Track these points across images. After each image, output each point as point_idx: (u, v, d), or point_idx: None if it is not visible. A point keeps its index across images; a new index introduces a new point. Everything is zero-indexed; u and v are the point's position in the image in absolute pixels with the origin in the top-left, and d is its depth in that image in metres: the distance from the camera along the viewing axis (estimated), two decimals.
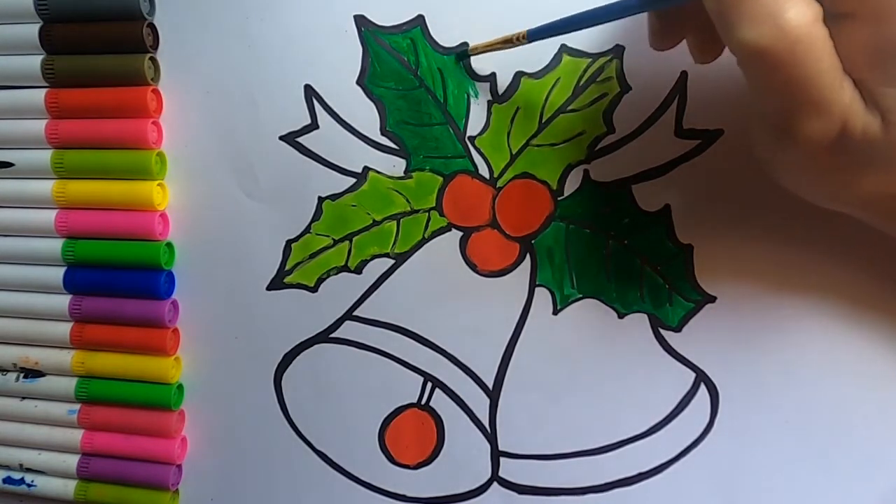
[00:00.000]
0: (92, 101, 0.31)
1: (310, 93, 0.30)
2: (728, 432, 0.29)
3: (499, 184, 0.29)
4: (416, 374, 0.31)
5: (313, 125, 0.30)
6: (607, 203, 0.29)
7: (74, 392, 0.32)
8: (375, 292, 0.31)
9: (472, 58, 0.28)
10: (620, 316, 0.29)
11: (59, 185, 0.31)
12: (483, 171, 0.29)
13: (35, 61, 0.31)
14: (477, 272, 0.30)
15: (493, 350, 0.30)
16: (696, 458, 0.29)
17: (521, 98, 0.28)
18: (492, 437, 0.31)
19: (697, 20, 0.19)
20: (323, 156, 0.30)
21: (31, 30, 0.30)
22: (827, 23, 0.17)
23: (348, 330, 0.31)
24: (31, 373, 0.33)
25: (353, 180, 0.30)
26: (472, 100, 0.29)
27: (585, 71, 0.28)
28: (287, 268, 0.31)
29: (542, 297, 0.30)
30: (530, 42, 0.26)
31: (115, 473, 0.33)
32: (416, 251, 0.30)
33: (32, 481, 0.34)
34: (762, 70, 0.18)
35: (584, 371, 0.29)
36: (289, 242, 0.31)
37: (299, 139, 0.30)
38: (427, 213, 0.30)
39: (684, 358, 0.29)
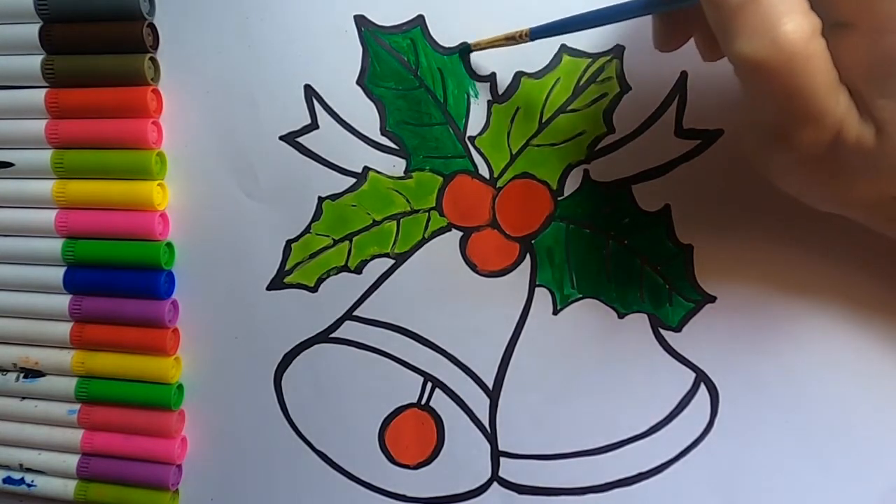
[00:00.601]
0: (92, 101, 0.31)
1: (310, 93, 0.30)
2: (728, 432, 0.29)
3: (499, 184, 0.29)
4: (416, 374, 0.31)
5: (313, 125, 0.30)
6: (607, 203, 0.29)
7: (74, 392, 0.32)
8: (375, 292, 0.31)
9: (473, 57, 0.28)
10: (620, 316, 0.29)
11: (59, 185, 0.31)
12: (483, 171, 0.29)
13: (35, 61, 0.31)
14: (477, 272, 0.30)
15: (493, 350, 0.30)
16: (696, 458, 0.29)
17: (521, 98, 0.28)
18: (492, 437, 0.31)
19: (703, 19, 0.19)
20: (323, 156, 0.30)
21: (31, 30, 0.30)
22: (825, 32, 0.17)
23: (348, 330, 0.31)
24: (31, 373, 0.33)
25: (353, 180, 0.30)
26: (472, 100, 0.29)
27: (585, 71, 0.28)
28: (287, 268, 0.31)
29: (542, 297, 0.30)
30: (532, 40, 0.26)
31: (115, 473, 0.33)
32: (416, 251, 0.30)
33: (32, 481, 0.34)
34: (758, 82, 0.18)
35: (584, 371, 0.29)
36: (289, 242, 0.31)
37: (299, 139, 0.30)
38: (427, 213, 0.30)
39: (684, 358, 0.29)
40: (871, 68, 0.17)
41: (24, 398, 0.34)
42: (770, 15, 0.17)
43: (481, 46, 0.28)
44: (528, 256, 0.29)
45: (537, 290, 0.30)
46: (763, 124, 0.20)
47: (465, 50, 0.28)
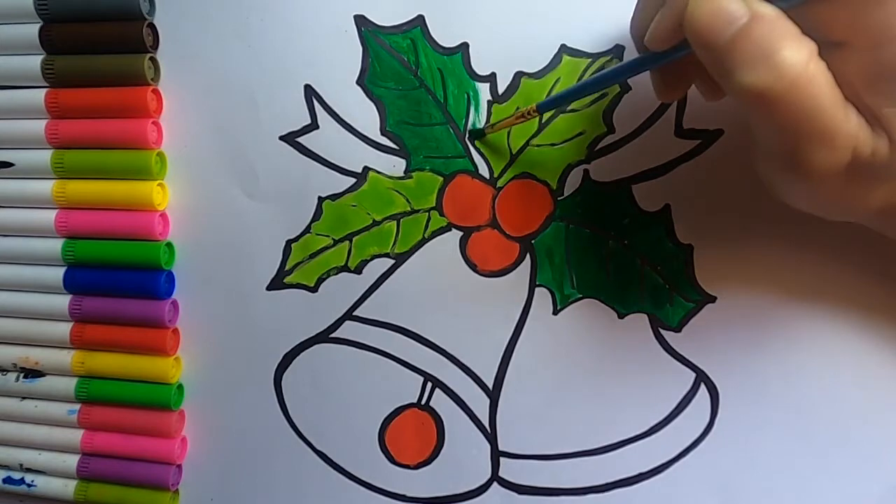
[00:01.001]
0: (92, 101, 0.31)
1: (310, 93, 0.30)
2: (728, 432, 0.29)
3: (499, 184, 0.29)
4: (416, 374, 0.31)
5: (313, 125, 0.30)
6: (607, 203, 0.29)
7: (74, 392, 0.32)
8: (375, 292, 0.31)
9: (472, 58, 0.28)
10: (620, 316, 0.29)
11: (59, 185, 0.31)
12: (483, 170, 0.29)
13: (35, 61, 0.31)
14: (477, 272, 0.30)
15: (493, 350, 0.30)
16: (696, 458, 0.29)
17: (521, 98, 0.28)
18: (492, 437, 0.31)
19: (699, 65, 0.19)
20: (323, 156, 0.30)
21: (31, 30, 0.30)
22: (822, 54, 0.17)
23: (348, 330, 0.31)
24: (31, 373, 0.33)
25: (353, 180, 0.30)
26: (471, 100, 0.29)
27: (585, 71, 0.28)
28: (287, 268, 0.31)
29: (542, 297, 0.30)
30: (540, 114, 0.26)
31: (115, 473, 0.33)
32: (416, 251, 0.30)
33: (32, 481, 0.34)
34: (765, 111, 0.18)
35: (584, 371, 0.29)
36: (289, 242, 0.31)
37: (299, 139, 0.30)
38: (427, 213, 0.30)
39: (684, 358, 0.29)
40: (874, 81, 0.17)
41: (24, 398, 0.33)
42: (764, 44, 0.17)
43: (495, 129, 0.28)
44: (528, 256, 0.29)
45: (537, 290, 0.30)
46: (777, 154, 0.20)
47: (477, 133, 0.29)
